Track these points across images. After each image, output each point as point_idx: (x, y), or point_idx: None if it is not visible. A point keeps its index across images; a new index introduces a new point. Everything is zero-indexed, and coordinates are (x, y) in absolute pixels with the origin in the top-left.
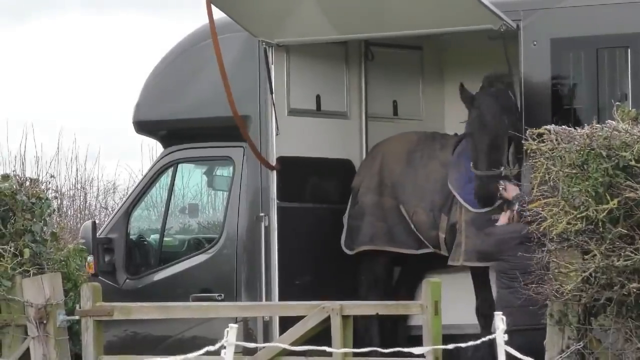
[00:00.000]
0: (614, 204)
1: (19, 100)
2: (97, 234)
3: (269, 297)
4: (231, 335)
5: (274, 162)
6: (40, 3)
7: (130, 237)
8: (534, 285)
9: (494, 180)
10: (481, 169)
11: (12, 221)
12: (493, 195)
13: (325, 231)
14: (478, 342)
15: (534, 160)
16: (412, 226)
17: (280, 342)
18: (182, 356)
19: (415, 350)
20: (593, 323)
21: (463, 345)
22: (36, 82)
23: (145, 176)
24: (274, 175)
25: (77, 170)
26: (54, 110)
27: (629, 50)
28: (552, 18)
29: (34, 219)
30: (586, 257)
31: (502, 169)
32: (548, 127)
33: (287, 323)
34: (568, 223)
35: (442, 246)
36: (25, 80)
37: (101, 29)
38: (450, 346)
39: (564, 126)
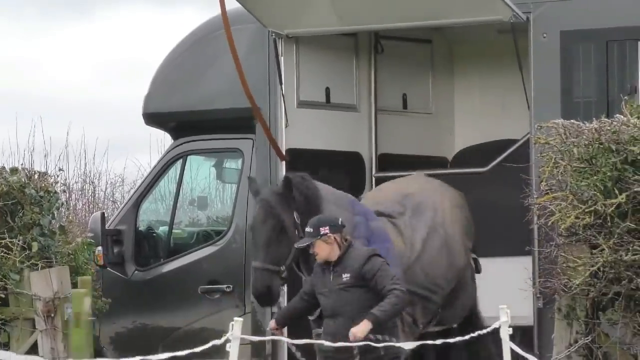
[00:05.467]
0: (623, 199)
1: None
2: (106, 226)
3: None
4: (236, 328)
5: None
6: None
7: (139, 229)
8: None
9: (270, 274)
10: (257, 261)
11: (21, 214)
12: (271, 290)
13: None
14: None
15: (542, 154)
16: None
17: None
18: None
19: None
20: (601, 317)
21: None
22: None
23: (154, 168)
24: (282, 168)
25: (85, 164)
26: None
27: (639, 43)
28: (562, 10)
29: (42, 213)
30: (594, 251)
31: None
32: (556, 121)
33: None
34: (576, 217)
35: None
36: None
37: (162, 24)
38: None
39: (572, 120)
